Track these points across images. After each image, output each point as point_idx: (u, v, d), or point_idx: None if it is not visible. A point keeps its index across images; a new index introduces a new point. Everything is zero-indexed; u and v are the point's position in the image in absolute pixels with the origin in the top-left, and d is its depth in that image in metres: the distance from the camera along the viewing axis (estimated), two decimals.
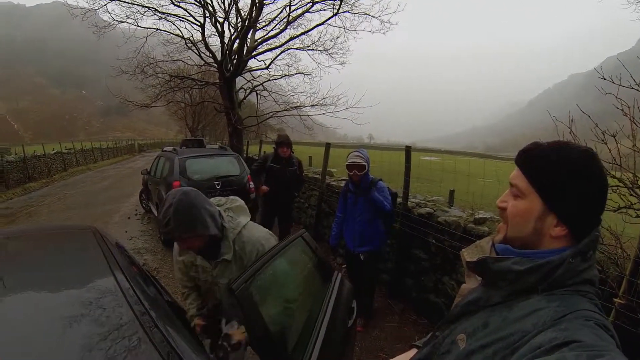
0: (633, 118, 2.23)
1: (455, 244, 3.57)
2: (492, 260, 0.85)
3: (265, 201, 5.48)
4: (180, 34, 12.21)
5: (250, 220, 2.05)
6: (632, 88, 2.27)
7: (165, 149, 8.11)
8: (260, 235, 2.00)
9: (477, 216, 3.75)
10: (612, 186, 2.29)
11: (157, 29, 12.19)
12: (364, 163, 3.46)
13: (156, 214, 7.21)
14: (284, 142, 5.26)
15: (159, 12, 11.49)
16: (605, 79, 2.41)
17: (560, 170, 0.78)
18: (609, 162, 2.33)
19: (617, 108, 2.30)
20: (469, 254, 0.98)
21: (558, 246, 0.80)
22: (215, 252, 1.89)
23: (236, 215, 1.99)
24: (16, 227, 6.47)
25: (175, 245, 2.02)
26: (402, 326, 3.99)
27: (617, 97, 2.29)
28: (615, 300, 2.29)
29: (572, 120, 2.52)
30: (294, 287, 2.27)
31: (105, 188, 13.79)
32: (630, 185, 2.25)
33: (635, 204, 2.27)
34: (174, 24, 11.99)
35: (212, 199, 2.05)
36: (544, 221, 0.80)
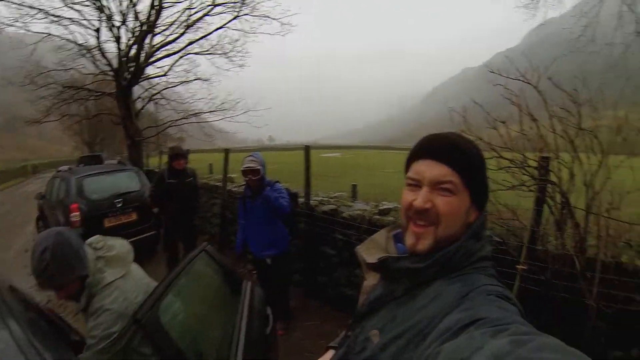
0: (520, 105, 2.53)
1: (362, 237, 3.63)
2: (393, 260, 0.86)
3: (167, 221, 5.22)
4: (74, 39, 11.09)
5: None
6: (518, 80, 2.57)
7: (60, 168, 7.47)
8: (115, 305, 1.71)
9: (381, 207, 3.95)
10: (505, 167, 2.59)
11: (49, 34, 10.89)
12: (259, 167, 3.45)
13: None
14: (179, 154, 5.00)
15: (51, 15, 10.28)
16: (493, 72, 2.71)
17: (480, 162, 0.84)
18: (501, 147, 2.62)
19: (505, 97, 2.59)
20: (366, 253, 0.97)
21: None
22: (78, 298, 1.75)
23: (107, 267, 1.79)
24: None
25: None
26: (322, 323, 4.05)
27: (506, 88, 2.59)
28: (518, 267, 2.57)
29: (464, 110, 2.79)
30: (204, 304, 2.22)
31: None
32: (522, 165, 2.53)
33: (526, 181, 2.55)
34: (67, 29, 10.81)
35: (92, 238, 1.91)
36: (469, 213, 0.83)
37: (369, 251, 0.96)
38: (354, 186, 5.17)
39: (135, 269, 2.00)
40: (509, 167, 2.59)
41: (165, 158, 11.33)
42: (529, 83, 2.53)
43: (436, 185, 0.81)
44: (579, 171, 2.38)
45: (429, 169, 0.82)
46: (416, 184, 0.84)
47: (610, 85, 3.44)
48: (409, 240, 0.85)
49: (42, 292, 1.72)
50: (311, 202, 4.53)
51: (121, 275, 1.81)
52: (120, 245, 1.93)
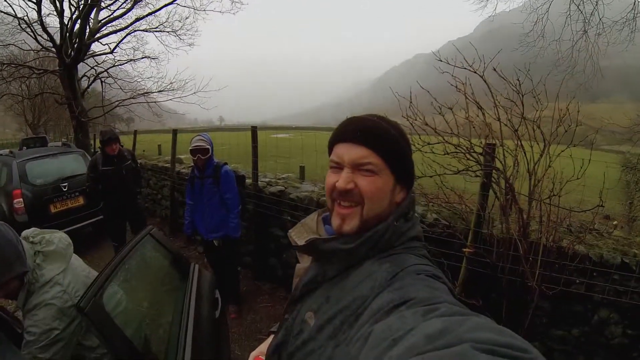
0: (466, 93, 2.59)
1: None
2: (321, 242, 0.86)
3: (108, 211, 4.90)
4: (13, 12, 10.21)
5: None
6: (464, 68, 2.62)
7: (0, 152, 6.97)
8: (55, 300, 1.66)
9: None
10: (451, 152, 2.65)
11: None
12: (207, 146, 3.44)
13: None
14: (111, 138, 4.61)
15: None
16: (441, 61, 2.75)
17: (401, 143, 0.85)
18: (447, 132, 2.68)
19: (452, 85, 2.64)
20: (297, 235, 0.97)
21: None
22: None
23: (45, 263, 1.73)
24: None
25: None
26: (274, 305, 4.10)
27: (452, 75, 2.64)
28: (465, 250, 2.67)
29: (412, 95, 2.81)
30: (151, 289, 2.17)
31: None
32: (468, 151, 2.60)
33: (472, 166, 2.64)
34: (5, 0, 10.03)
35: (28, 231, 1.82)
36: (394, 192, 0.85)
37: (300, 235, 0.96)
38: (302, 167, 5.22)
39: (75, 260, 1.92)
40: (456, 152, 2.66)
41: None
42: (474, 72, 2.60)
43: (357, 167, 0.82)
44: (522, 159, 2.47)
45: (347, 151, 0.83)
46: (338, 167, 0.86)
47: (556, 80, 3.61)
48: (335, 221, 0.86)
49: None
50: (259, 183, 4.51)
51: (61, 270, 1.74)
52: (59, 240, 1.84)
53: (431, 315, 0.55)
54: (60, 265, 1.76)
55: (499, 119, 2.52)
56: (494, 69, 2.63)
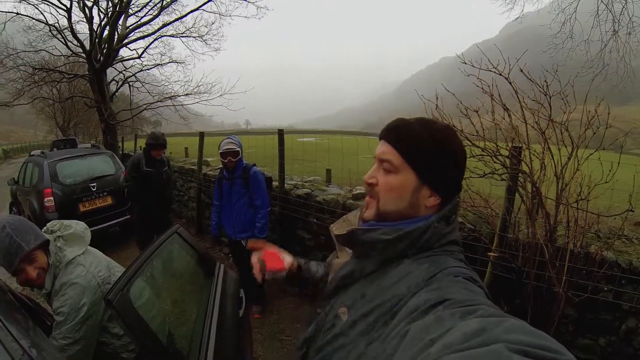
0: (492, 95, 2.55)
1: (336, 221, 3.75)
2: (361, 231, 0.87)
3: (141, 215, 4.86)
4: (44, 19, 10.67)
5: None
6: (489, 70, 2.59)
7: (32, 153, 7.27)
8: (79, 279, 1.77)
9: (355, 192, 3.99)
10: (477, 155, 2.60)
11: (18, 14, 10.47)
12: (238, 149, 3.51)
13: None
14: (162, 144, 4.71)
15: None
16: (465, 63, 2.74)
17: (430, 144, 0.82)
18: (473, 135, 2.64)
19: (477, 86, 2.61)
20: (338, 230, 0.99)
21: (430, 213, 0.85)
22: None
23: (66, 246, 1.84)
24: None
25: None
26: (299, 306, 4.10)
27: (478, 78, 2.60)
28: (490, 254, 2.63)
29: (437, 98, 2.79)
30: (177, 286, 2.20)
31: None
32: (494, 154, 2.55)
33: (498, 169, 2.58)
34: (37, 8, 10.39)
35: (48, 224, 1.94)
36: (419, 193, 0.84)
37: (342, 230, 0.97)
38: (328, 170, 5.20)
39: (94, 249, 2.02)
40: (481, 155, 2.62)
41: (141, 142, 11.12)
42: (500, 74, 2.56)
43: (381, 163, 0.87)
44: (549, 162, 2.42)
45: (378, 147, 0.89)
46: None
47: (585, 81, 3.51)
48: (363, 209, 0.93)
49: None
50: (286, 185, 4.54)
51: (82, 252, 1.86)
52: (76, 224, 1.98)
53: (469, 317, 0.56)
54: (81, 247, 1.88)
55: (525, 122, 2.48)
56: (521, 70, 2.58)
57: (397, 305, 0.73)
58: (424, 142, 0.83)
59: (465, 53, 3.05)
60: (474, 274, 0.78)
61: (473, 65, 2.70)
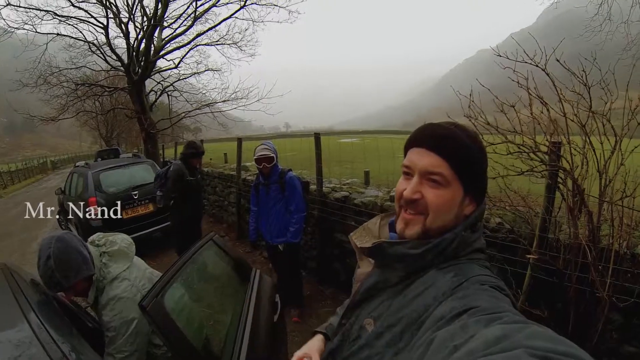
0: (529, 89, 2.43)
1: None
2: (388, 245, 0.84)
3: (181, 225, 4.81)
4: (83, 37, 11.30)
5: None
6: (526, 62, 2.47)
7: (77, 164, 7.71)
8: (126, 293, 1.81)
9: (392, 194, 3.91)
10: (515, 152, 2.49)
11: (58, 34, 11.13)
12: (272, 154, 3.53)
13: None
14: (202, 152, 4.80)
15: (59, 16, 10.50)
16: (500, 56, 2.63)
17: (476, 155, 0.81)
18: (510, 131, 2.52)
19: (513, 80, 2.50)
20: (358, 239, 0.97)
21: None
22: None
23: (111, 262, 1.89)
24: None
25: None
26: (336, 309, 4.07)
27: (515, 71, 2.50)
28: (529, 256, 2.50)
29: (471, 95, 2.69)
30: (211, 292, 2.24)
31: (19, 214, 12.33)
32: (532, 150, 2.44)
33: (537, 166, 2.46)
34: (75, 27, 11.06)
35: (94, 236, 1.99)
36: (463, 204, 0.82)
37: (362, 238, 0.97)
38: (367, 172, 5.24)
39: (137, 260, 2.07)
40: (519, 152, 2.49)
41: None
42: (536, 66, 2.43)
43: (426, 175, 0.81)
44: (591, 157, 2.28)
45: (420, 157, 0.82)
46: (409, 172, 0.84)
47: (627, 66, 3.28)
48: (399, 225, 0.86)
49: None
50: (324, 189, 4.54)
51: (126, 267, 1.90)
52: (121, 240, 2.00)
53: (492, 324, 0.56)
54: (125, 263, 1.91)
55: (564, 115, 2.34)
56: (557, 60, 2.44)
57: (423, 314, 0.72)
58: (472, 154, 0.81)
59: (502, 44, 2.94)
60: (500, 282, 0.76)
61: (508, 58, 2.59)
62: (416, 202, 0.81)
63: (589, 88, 2.27)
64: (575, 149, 2.35)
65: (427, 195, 0.80)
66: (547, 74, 2.42)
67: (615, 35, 7.23)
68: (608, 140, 2.25)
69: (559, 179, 2.42)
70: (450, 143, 0.80)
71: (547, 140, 2.40)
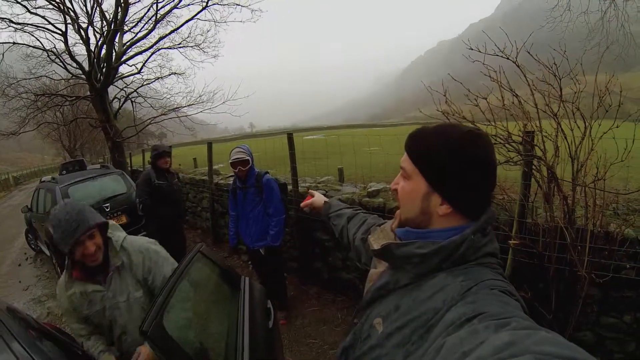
0: (500, 81, 2.51)
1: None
2: (395, 246, 0.86)
3: (158, 230, 4.59)
4: (41, 45, 10.77)
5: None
6: (495, 55, 2.55)
7: (43, 179, 7.37)
8: (142, 243, 2.11)
9: (369, 189, 3.97)
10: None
11: (15, 43, 10.63)
12: (247, 157, 3.48)
13: (48, 253, 6.59)
14: (165, 151, 4.61)
15: (14, 23, 9.99)
16: (472, 49, 2.66)
17: (439, 152, 0.80)
18: (482, 122, 2.54)
19: (485, 74, 2.56)
20: (375, 241, 0.98)
21: (452, 224, 0.83)
22: (105, 266, 1.92)
23: (113, 230, 2.03)
24: None
25: (61, 285, 1.94)
26: (322, 308, 4.11)
27: (483, 64, 2.56)
28: (510, 242, 2.60)
29: (440, 84, 2.78)
30: (207, 305, 2.21)
31: None
32: (506, 141, 2.51)
33: (513, 157, 2.53)
34: (32, 35, 10.53)
35: None
36: (429, 201, 0.83)
37: (378, 240, 0.97)
38: (340, 169, 5.20)
39: None
40: (494, 143, 2.57)
41: (149, 156, 11.10)
42: (507, 58, 2.51)
43: (400, 171, 0.90)
44: (562, 143, 2.38)
45: (404, 155, 0.90)
46: None
47: (589, 53, 3.44)
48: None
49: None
50: (300, 189, 4.53)
51: (124, 236, 2.09)
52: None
53: (502, 330, 0.56)
54: (123, 232, 2.10)
55: (536, 106, 2.43)
56: (528, 52, 2.52)
57: (432, 318, 0.73)
58: (433, 149, 0.81)
59: (463, 34, 2.99)
60: (510, 286, 0.76)
61: (472, 48, 2.65)
62: (396, 193, 0.90)
63: (560, 80, 2.37)
64: (547, 137, 2.44)
65: (399, 186, 0.89)
66: (518, 66, 2.50)
67: (576, 25, 7.57)
68: (578, 126, 2.35)
69: (534, 167, 2.51)
70: (413, 140, 0.87)
71: (520, 130, 2.48)
